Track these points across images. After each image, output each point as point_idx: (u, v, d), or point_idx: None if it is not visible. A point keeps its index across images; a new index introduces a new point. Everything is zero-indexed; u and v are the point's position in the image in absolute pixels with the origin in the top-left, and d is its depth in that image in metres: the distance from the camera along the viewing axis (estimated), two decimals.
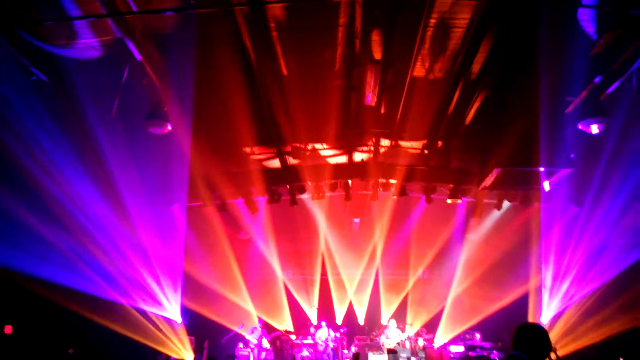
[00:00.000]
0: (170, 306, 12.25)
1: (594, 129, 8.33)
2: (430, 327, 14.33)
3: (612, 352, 9.93)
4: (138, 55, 7.78)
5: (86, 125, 8.89)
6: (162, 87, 8.72)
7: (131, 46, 7.54)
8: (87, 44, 7.84)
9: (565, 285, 11.87)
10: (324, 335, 13.02)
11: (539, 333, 3.20)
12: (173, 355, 11.53)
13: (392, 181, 12.35)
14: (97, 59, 7.95)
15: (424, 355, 12.36)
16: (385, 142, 11.59)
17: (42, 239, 9.46)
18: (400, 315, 14.58)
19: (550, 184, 10.06)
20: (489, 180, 9.75)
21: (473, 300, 14.27)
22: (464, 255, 14.60)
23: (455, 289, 14.58)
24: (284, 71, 9.08)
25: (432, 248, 14.79)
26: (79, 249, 10.20)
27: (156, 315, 11.96)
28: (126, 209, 10.50)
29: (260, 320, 13.23)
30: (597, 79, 7.88)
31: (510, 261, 13.49)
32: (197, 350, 12.88)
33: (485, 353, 12.16)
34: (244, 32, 7.76)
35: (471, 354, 12.30)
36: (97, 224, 10.39)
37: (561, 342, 11.42)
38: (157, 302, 11.98)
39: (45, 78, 8.49)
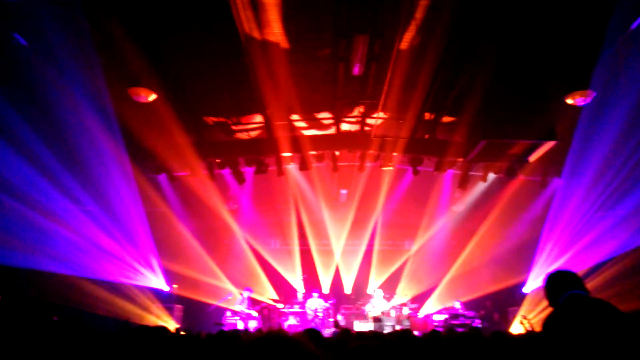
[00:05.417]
0: (155, 277, 12.31)
1: (580, 101, 8.32)
2: (420, 298, 14.45)
3: None
4: None
5: (57, 91, 8.68)
6: (144, 54, 8.50)
7: None
8: None
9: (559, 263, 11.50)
10: (314, 304, 13.21)
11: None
12: (158, 322, 11.61)
13: (379, 152, 12.31)
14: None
15: (408, 324, 12.59)
16: (373, 114, 11.48)
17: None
18: (388, 286, 14.73)
19: (535, 156, 10.06)
20: (474, 152, 9.72)
21: (471, 280, 14.22)
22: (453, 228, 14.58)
23: (452, 266, 14.51)
24: (272, 39, 8.89)
25: (424, 219, 14.72)
26: (54, 231, 10.13)
27: (140, 286, 12.02)
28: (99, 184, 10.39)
29: (248, 289, 13.32)
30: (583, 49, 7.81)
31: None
32: (185, 318, 13.02)
33: (468, 321, 12.41)
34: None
35: (454, 322, 12.54)
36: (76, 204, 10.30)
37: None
38: (141, 274, 12.01)
39: (25, 42, 8.26)
